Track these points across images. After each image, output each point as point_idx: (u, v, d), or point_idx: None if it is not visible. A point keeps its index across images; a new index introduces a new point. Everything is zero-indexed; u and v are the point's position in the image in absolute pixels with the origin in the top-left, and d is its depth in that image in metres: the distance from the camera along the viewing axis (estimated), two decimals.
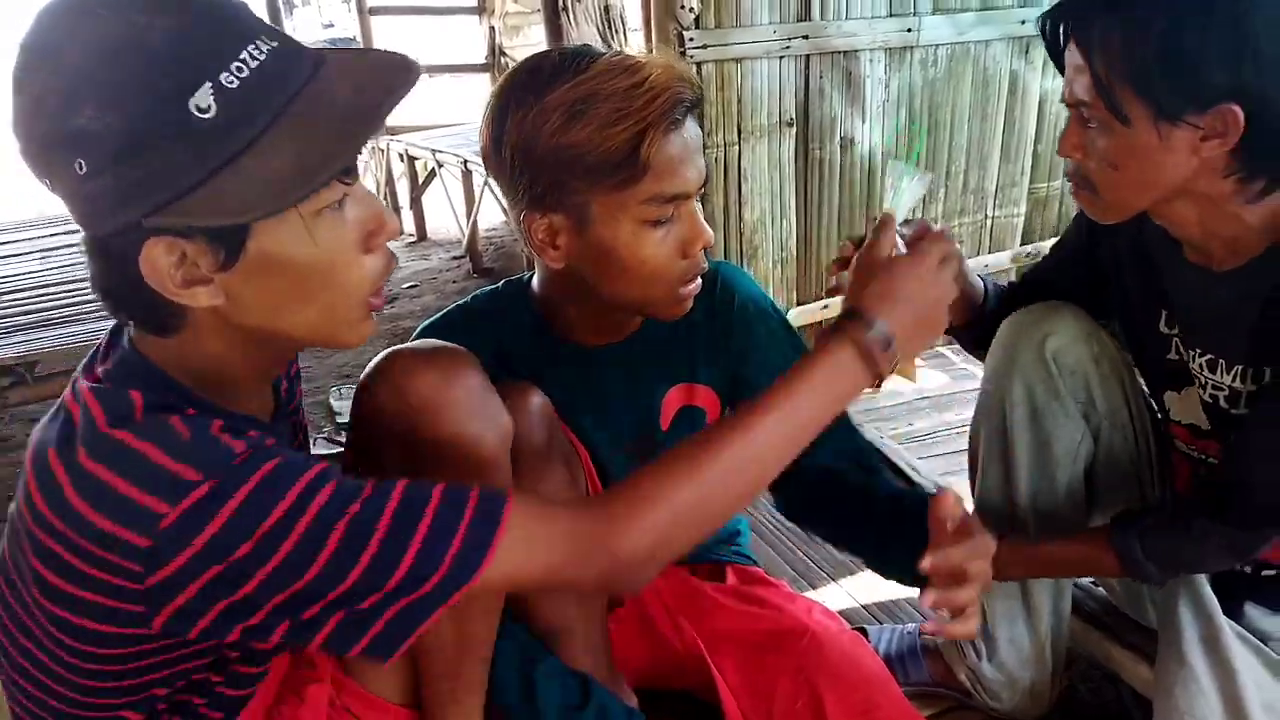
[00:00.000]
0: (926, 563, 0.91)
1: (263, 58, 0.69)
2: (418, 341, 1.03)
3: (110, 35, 0.66)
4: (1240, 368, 1.11)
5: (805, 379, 0.85)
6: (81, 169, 0.67)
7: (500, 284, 1.22)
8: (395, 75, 0.75)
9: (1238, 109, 0.94)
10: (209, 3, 0.70)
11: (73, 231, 4.30)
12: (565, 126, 0.96)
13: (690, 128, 1.00)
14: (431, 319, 1.19)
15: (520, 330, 1.17)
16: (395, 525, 0.73)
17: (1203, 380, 1.17)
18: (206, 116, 0.67)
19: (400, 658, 0.86)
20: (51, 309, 3.26)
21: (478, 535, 0.75)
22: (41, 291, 3.46)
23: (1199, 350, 1.16)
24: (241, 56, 0.68)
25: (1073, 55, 1.02)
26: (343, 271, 0.77)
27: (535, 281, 1.18)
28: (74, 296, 3.35)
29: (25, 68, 0.68)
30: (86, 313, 3.14)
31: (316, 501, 0.72)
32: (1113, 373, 1.24)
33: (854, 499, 1.18)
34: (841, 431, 1.16)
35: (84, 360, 0.83)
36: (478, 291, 1.23)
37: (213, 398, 0.81)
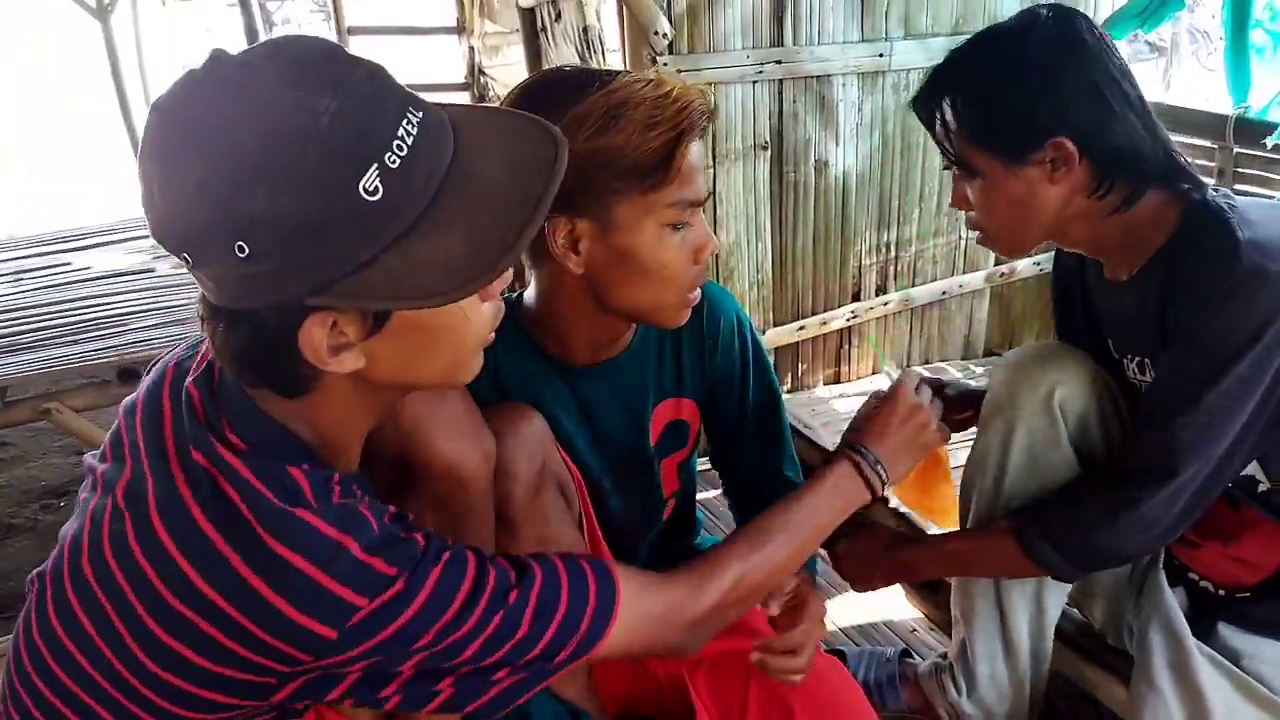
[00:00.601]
0: (755, 658, 1.10)
1: (415, 132, 0.69)
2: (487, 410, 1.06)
3: (283, 118, 0.65)
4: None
5: (820, 490, 1.06)
6: (243, 252, 0.66)
7: None
8: (544, 150, 0.75)
9: (1063, 139, 1.07)
10: (370, 78, 0.69)
11: (46, 254, 4.26)
12: (601, 130, 0.99)
13: (700, 140, 1.06)
14: None
15: (511, 349, 1.17)
16: (540, 607, 0.81)
17: (1138, 383, 1.21)
18: (374, 199, 0.66)
19: None
20: (22, 333, 3.22)
21: (601, 613, 0.84)
22: (13, 315, 3.41)
23: (1130, 355, 1.21)
24: (399, 134, 0.68)
25: (948, 120, 1.14)
26: (469, 325, 0.79)
27: (530, 298, 1.19)
28: (46, 321, 3.31)
29: (184, 144, 0.66)
30: (56, 338, 3.11)
31: (486, 594, 0.78)
32: (1115, 415, 1.25)
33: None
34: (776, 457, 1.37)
35: (177, 416, 0.80)
36: None
37: (329, 457, 0.82)
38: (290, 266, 0.67)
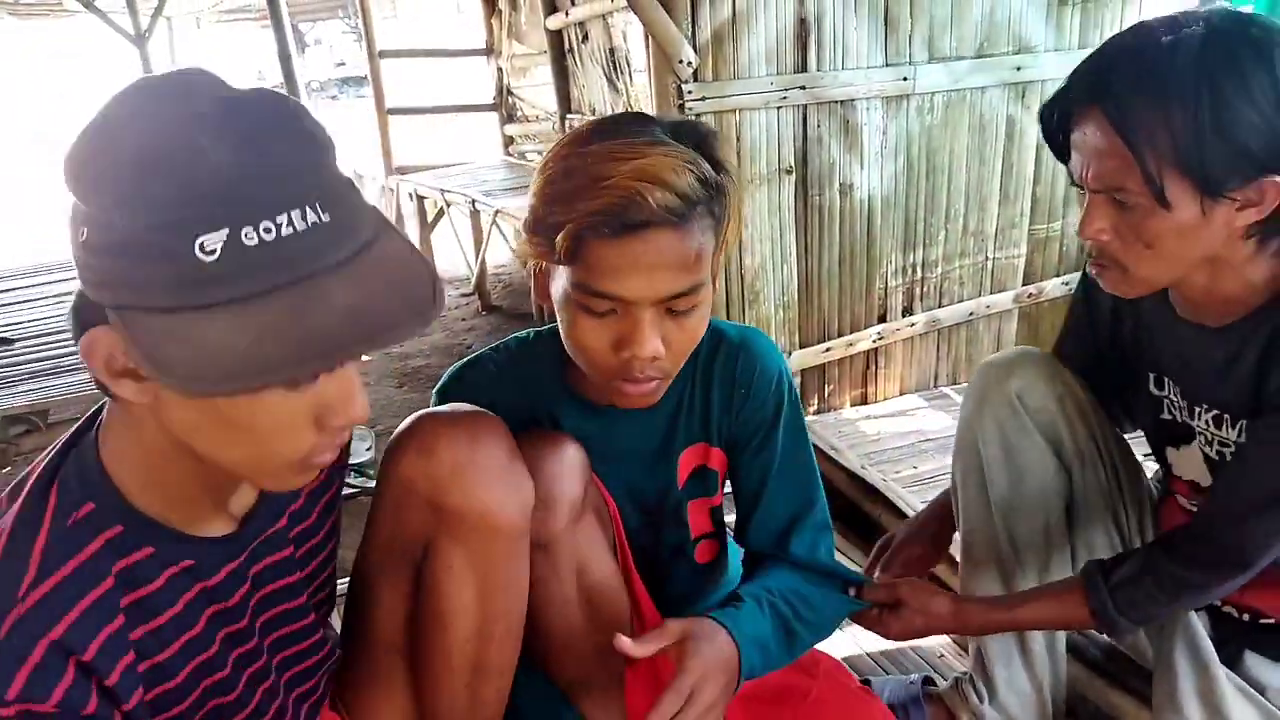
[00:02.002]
0: None
1: (301, 228, 0.66)
2: (448, 406, 1.05)
3: (165, 147, 0.64)
4: (1245, 422, 1.12)
5: None
6: (83, 235, 0.67)
7: (531, 333, 1.23)
8: (408, 306, 0.71)
9: (1278, 178, 0.95)
10: (278, 149, 0.67)
11: None
12: (540, 189, 0.99)
13: (656, 239, 0.93)
14: (462, 364, 1.20)
15: (546, 383, 1.18)
16: None
17: (1209, 436, 1.18)
18: (206, 259, 0.64)
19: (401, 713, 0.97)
20: (63, 355, 3.30)
21: None
22: (53, 338, 3.49)
23: (1205, 406, 1.17)
24: (277, 220, 0.65)
25: (1095, 139, 1.00)
26: (278, 439, 0.73)
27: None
28: None
29: (94, 132, 0.67)
30: None
31: None
32: (1078, 414, 1.28)
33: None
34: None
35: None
36: (509, 339, 1.23)
37: (152, 503, 0.78)
38: (103, 271, 0.66)
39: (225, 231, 0.64)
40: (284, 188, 0.66)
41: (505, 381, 1.16)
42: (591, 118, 1.12)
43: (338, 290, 0.68)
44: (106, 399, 0.78)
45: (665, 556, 1.29)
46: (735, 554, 1.36)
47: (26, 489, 0.76)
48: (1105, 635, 1.22)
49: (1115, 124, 0.98)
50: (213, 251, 0.64)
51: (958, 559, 1.45)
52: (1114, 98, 0.98)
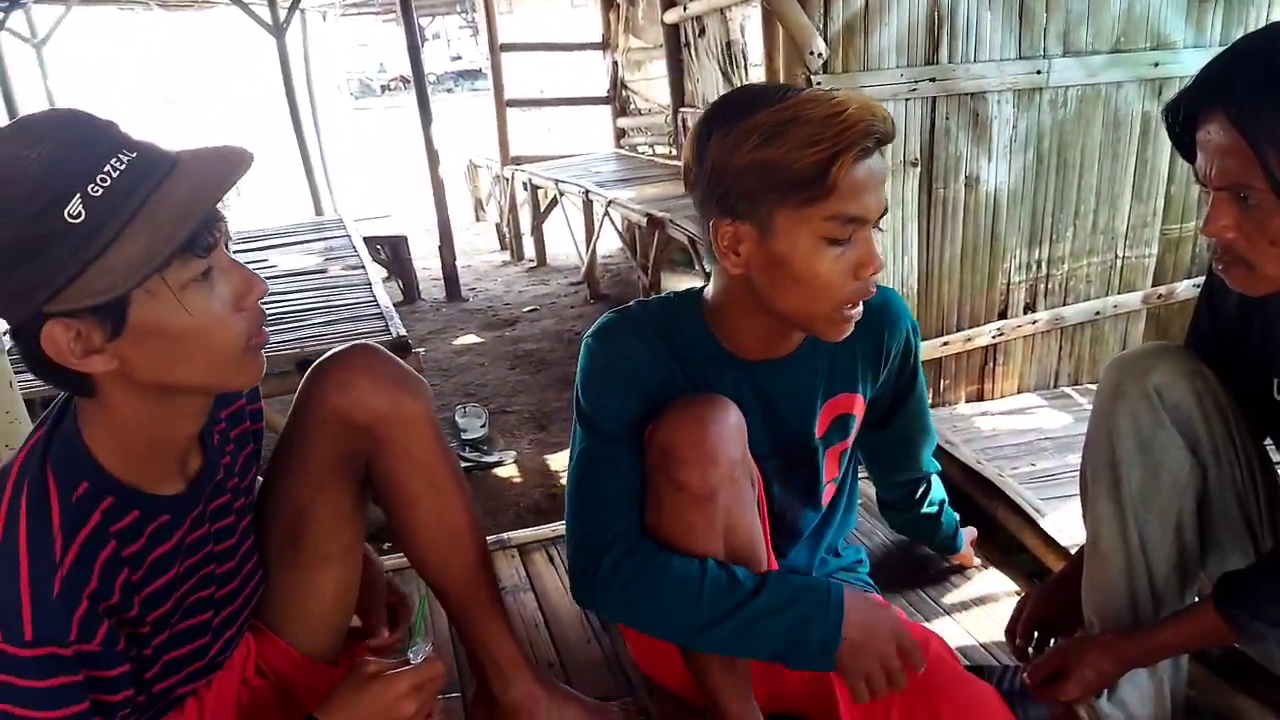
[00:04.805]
0: None
1: (123, 168, 0.83)
2: (695, 399, 1.16)
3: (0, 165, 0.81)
4: None
5: None
6: None
7: (672, 294, 1.31)
8: (229, 169, 0.88)
9: None
10: (78, 128, 0.84)
11: (247, 250, 4.65)
12: (764, 144, 1.06)
13: (877, 160, 1.08)
14: (613, 313, 1.28)
15: (689, 337, 1.25)
16: None
17: None
18: (77, 221, 0.81)
19: (327, 626, 1.23)
20: None
21: None
22: None
23: None
24: (105, 170, 0.82)
25: (1219, 138, 1.02)
26: (216, 331, 0.91)
27: (709, 292, 1.27)
28: None
29: None
30: None
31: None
32: (1216, 411, 1.25)
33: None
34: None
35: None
36: (650, 298, 1.32)
37: (130, 474, 0.96)
38: (22, 282, 0.82)
39: (77, 196, 0.81)
40: (95, 149, 0.83)
41: (653, 328, 1.25)
42: (720, 95, 1.23)
43: (176, 185, 0.86)
44: (72, 400, 0.96)
45: (794, 497, 1.38)
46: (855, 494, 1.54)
47: (13, 476, 0.91)
48: (1247, 647, 1.20)
49: (1237, 124, 0.98)
50: (78, 215, 0.81)
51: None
52: (1237, 99, 0.99)
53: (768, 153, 1.05)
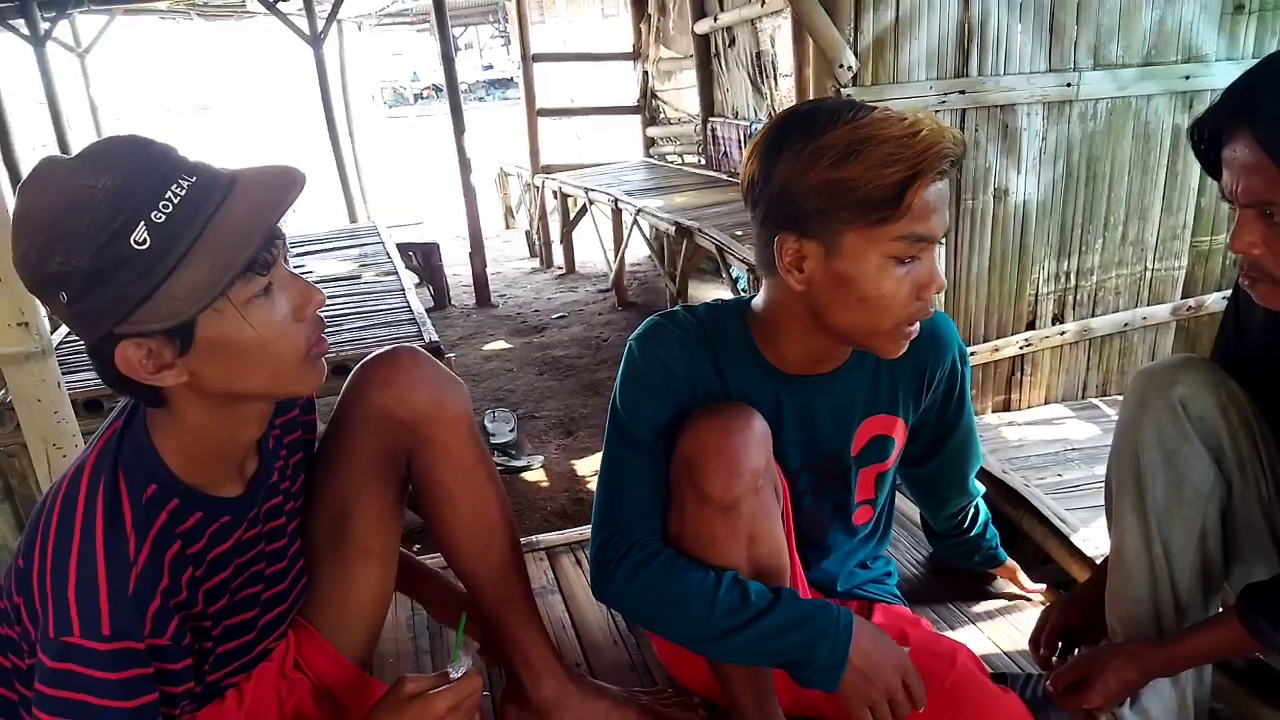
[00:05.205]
0: None
1: (183, 193, 0.87)
2: (720, 408, 1.17)
3: (66, 198, 0.85)
4: None
5: None
6: (64, 299, 0.88)
7: (719, 301, 1.31)
8: (282, 193, 0.91)
9: None
10: (139, 155, 0.88)
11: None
12: (840, 162, 1.05)
13: (945, 181, 1.08)
14: (659, 316, 1.28)
15: (732, 346, 1.26)
16: None
17: None
18: (144, 248, 0.85)
19: (363, 623, 1.27)
20: None
21: None
22: None
23: None
24: (167, 196, 0.86)
25: (1244, 155, 1.03)
26: (279, 342, 0.95)
27: (758, 304, 1.26)
28: None
29: (15, 231, 0.88)
30: None
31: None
32: (1241, 424, 1.25)
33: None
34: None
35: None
36: (697, 305, 1.32)
37: (194, 476, 1.01)
38: (94, 307, 0.87)
39: (142, 224, 0.85)
40: (156, 175, 0.87)
41: (696, 338, 1.25)
42: (783, 109, 1.22)
43: (234, 208, 0.89)
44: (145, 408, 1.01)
45: (825, 513, 1.38)
46: (890, 520, 1.52)
47: (87, 475, 0.96)
48: (1270, 657, 1.20)
49: (1263, 142, 1.00)
50: (144, 241, 0.85)
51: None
52: (1263, 117, 1.00)
53: (843, 172, 1.04)
